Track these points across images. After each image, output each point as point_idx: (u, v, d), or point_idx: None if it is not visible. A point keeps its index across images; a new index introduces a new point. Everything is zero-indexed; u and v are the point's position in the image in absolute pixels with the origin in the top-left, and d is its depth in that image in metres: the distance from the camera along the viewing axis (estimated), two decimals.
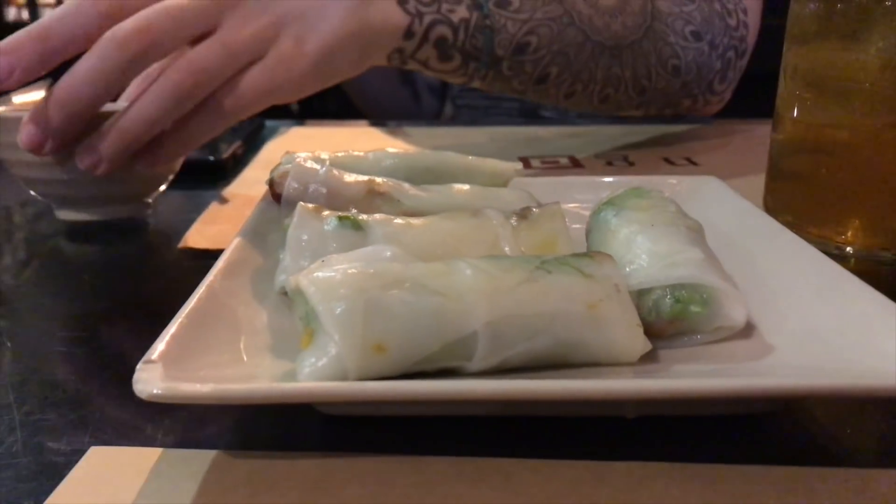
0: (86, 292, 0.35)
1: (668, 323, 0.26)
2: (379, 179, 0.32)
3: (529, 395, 0.21)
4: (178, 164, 0.44)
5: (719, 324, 0.26)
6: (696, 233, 0.29)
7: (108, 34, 0.36)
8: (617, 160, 0.57)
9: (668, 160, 0.57)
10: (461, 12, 0.48)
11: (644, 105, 0.61)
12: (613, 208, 0.31)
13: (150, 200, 0.44)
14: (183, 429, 0.24)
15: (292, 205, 0.30)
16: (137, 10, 0.37)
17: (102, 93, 0.37)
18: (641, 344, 0.24)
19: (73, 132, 0.37)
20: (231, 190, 0.51)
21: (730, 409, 0.24)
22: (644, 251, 0.27)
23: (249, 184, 0.52)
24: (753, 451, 0.22)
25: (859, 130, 0.37)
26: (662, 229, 0.28)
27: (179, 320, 0.23)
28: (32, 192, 0.43)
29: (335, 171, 0.32)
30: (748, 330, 0.26)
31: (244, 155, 0.59)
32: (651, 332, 0.25)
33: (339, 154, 0.35)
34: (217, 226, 0.43)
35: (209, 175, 0.53)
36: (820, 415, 0.24)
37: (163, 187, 0.44)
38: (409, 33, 0.46)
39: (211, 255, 0.30)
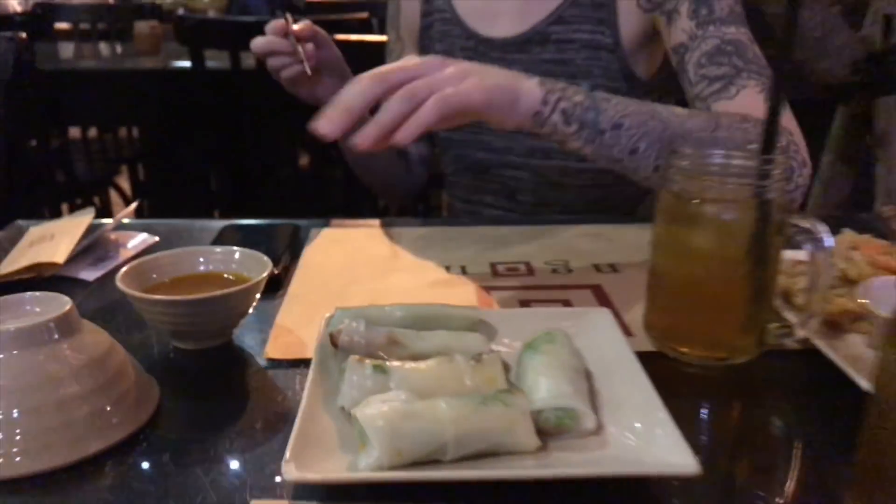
0: (211, 393, 0.57)
1: (553, 428, 0.48)
2: (395, 331, 0.54)
3: (477, 476, 0.43)
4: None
5: (581, 428, 0.48)
6: (577, 372, 0.51)
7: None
8: (560, 268, 0.79)
9: (596, 267, 0.80)
10: (578, 97, 0.72)
11: None
12: (531, 350, 0.53)
13: (235, 330, 0.65)
14: (306, 491, 0.45)
15: (346, 352, 0.52)
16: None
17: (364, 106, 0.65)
18: (536, 442, 0.46)
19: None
20: (286, 306, 0.72)
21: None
22: (543, 386, 0.49)
23: (300, 298, 0.74)
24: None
25: (696, 280, 0.59)
26: (556, 370, 0.50)
27: (294, 435, 0.45)
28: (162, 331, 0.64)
29: (370, 328, 0.54)
30: (599, 429, 0.48)
31: (292, 261, 0.81)
32: (542, 433, 0.47)
33: (371, 309, 0.57)
34: (286, 338, 0.64)
35: (269, 285, 0.74)
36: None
37: (243, 321, 0.65)
38: (543, 101, 0.71)
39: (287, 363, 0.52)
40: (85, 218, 0.85)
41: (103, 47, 3.17)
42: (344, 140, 0.65)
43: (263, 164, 2.25)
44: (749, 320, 0.59)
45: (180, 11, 6.68)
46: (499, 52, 1.02)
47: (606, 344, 0.57)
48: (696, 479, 0.43)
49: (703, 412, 0.56)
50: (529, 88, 0.71)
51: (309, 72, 0.92)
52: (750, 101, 0.83)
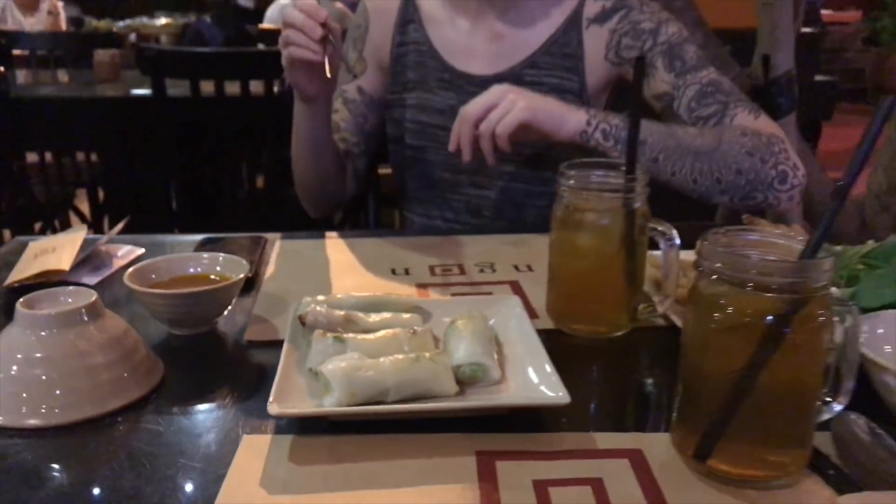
0: (206, 364, 0.72)
1: (468, 378, 0.64)
2: (350, 312, 0.70)
3: (411, 409, 0.59)
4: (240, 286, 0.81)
5: (489, 378, 0.64)
6: (488, 339, 0.68)
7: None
8: (486, 268, 0.96)
9: (516, 267, 0.97)
10: (615, 121, 0.98)
11: (726, 193, 1.02)
12: (453, 325, 0.69)
13: (219, 319, 0.80)
14: (284, 426, 0.61)
15: (311, 328, 0.68)
16: None
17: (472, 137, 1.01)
18: (455, 388, 0.62)
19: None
20: (259, 300, 0.87)
21: (493, 411, 0.62)
22: (461, 348, 0.66)
23: (270, 294, 0.89)
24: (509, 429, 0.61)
25: (582, 271, 0.76)
26: (471, 337, 0.67)
27: (276, 384, 0.61)
28: (160, 320, 0.78)
29: (330, 309, 0.70)
30: (502, 379, 0.65)
31: (259, 266, 0.96)
32: (460, 383, 0.63)
33: (330, 297, 0.73)
34: (261, 325, 0.80)
35: (245, 285, 0.89)
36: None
37: (226, 312, 0.80)
38: (588, 123, 0.97)
39: (262, 344, 0.67)
40: (79, 234, 0.98)
41: (61, 74, 3.26)
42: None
43: (221, 185, 2.38)
44: (623, 301, 0.76)
45: (132, 37, 6.75)
46: (475, 86, 1.14)
47: (514, 322, 0.73)
48: (569, 406, 0.60)
49: (589, 370, 0.73)
50: (576, 113, 1.00)
51: (329, 74, 0.99)
52: (741, 122, 1.06)
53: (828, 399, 0.56)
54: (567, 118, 1.00)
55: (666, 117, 1.10)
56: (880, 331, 0.63)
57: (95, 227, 3.00)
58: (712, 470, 0.55)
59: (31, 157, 2.97)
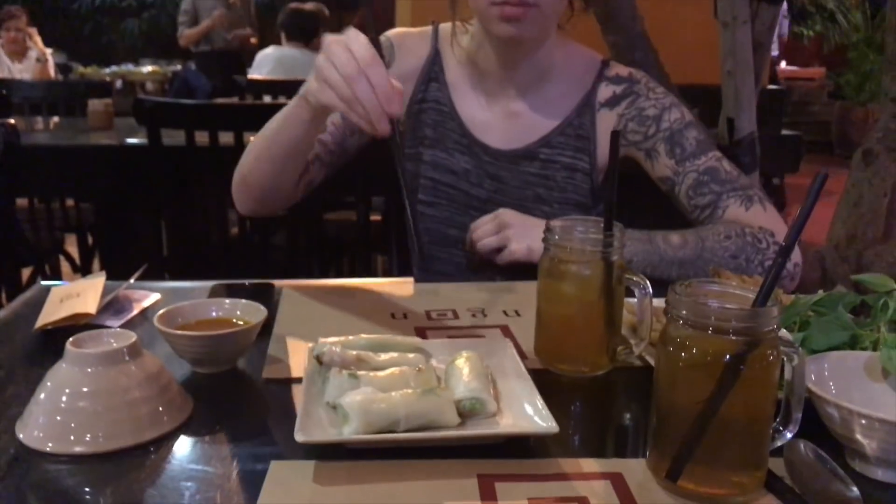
0: (230, 402, 0.79)
1: (468, 411, 0.73)
2: (361, 353, 0.78)
3: (419, 438, 0.67)
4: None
5: (486, 411, 0.73)
6: (484, 376, 0.76)
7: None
8: (478, 314, 1.05)
9: (505, 312, 1.06)
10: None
11: None
12: (453, 364, 0.78)
13: (239, 359, 0.88)
14: (307, 452, 0.68)
15: (328, 366, 0.76)
16: None
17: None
18: (456, 419, 0.71)
19: None
20: (273, 342, 0.95)
21: (491, 440, 0.70)
22: (461, 384, 0.74)
23: (283, 337, 0.97)
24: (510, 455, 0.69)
25: (566, 316, 0.86)
26: (470, 375, 0.75)
27: (299, 416, 0.68)
28: (186, 360, 0.86)
29: (343, 349, 0.78)
30: (498, 412, 0.73)
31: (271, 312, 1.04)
32: (461, 415, 0.72)
33: (343, 338, 0.81)
34: (277, 364, 0.87)
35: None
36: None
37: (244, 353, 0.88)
38: None
39: (279, 382, 0.75)
40: (99, 279, 1.06)
41: (54, 122, 3.33)
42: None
43: (211, 231, 2.46)
44: (603, 344, 0.85)
45: (118, 83, 6.84)
46: (491, 157, 1.22)
47: (507, 361, 0.82)
48: (558, 435, 0.68)
49: (574, 404, 0.82)
50: None
51: (392, 150, 0.96)
52: (732, 215, 1.14)
53: (780, 428, 0.65)
54: None
55: (671, 198, 1.21)
56: (826, 369, 0.73)
57: (84, 271, 3.06)
58: (682, 489, 0.63)
59: (20, 201, 3.04)
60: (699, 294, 0.65)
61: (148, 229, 2.74)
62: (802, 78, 9.27)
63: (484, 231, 1.15)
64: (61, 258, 3.05)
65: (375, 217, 2.34)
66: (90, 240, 3.13)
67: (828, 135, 8.44)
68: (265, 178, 1.17)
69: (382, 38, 1.27)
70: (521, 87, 1.24)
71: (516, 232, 1.12)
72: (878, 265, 1.66)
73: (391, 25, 1.59)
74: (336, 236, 2.78)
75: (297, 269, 2.38)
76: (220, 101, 5.14)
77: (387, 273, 2.45)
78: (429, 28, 1.31)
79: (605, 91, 1.24)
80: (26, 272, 2.84)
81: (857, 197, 1.74)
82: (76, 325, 0.95)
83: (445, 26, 1.29)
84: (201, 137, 2.27)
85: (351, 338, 0.82)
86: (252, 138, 1.20)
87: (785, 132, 3.24)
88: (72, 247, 3.10)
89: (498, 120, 1.25)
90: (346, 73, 0.88)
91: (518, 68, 1.23)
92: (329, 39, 0.91)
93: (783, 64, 9.29)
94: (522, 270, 1.11)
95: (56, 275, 2.88)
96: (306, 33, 4.25)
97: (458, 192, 1.19)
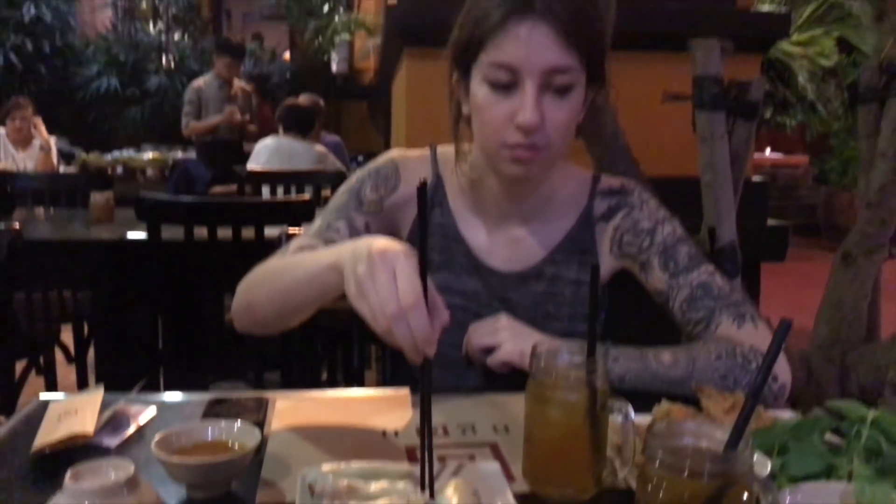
0: None
1: None
2: (352, 482, 0.80)
3: None
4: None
5: None
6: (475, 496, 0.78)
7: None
8: (468, 430, 1.08)
9: (494, 428, 1.08)
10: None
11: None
12: (442, 493, 0.80)
13: (231, 483, 0.89)
14: None
15: (319, 497, 0.78)
16: None
17: None
18: None
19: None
20: (266, 463, 0.97)
21: None
22: None
23: (276, 456, 0.99)
24: None
25: (553, 440, 0.88)
26: (460, 502, 0.77)
27: None
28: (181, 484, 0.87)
29: (335, 479, 0.80)
30: None
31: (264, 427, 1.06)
32: None
33: (335, 465, 0.83)
34: (270, 489, 0.89)
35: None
36: None
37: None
38: None
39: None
40: (97, 394, 1.08)
41: (55, 214, 3.40)
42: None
43: (208, 325, 2.48)
44: (589, 467, 0.88)
45: (119, 169, 6.97)
46: (497, 280, 1.24)
47: (495, 486, 0.84)
48: None
49: None
50: None
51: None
52: (724, 332, 1.17)
53: None
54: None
55: (665, 310, 1.24)
56: (799, 502, 0.75)
57: (79, 361, 3.06)
58: None
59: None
60: (675, 432, 0.68)
61: (144, 319, 2.77)
62: (787, 165, 9.53)
63: (480, 333, 1.18)
64: (56, 348, 3.05)
65: None
66: (86, 329, 3.15)
67: (815, 217, 8.62)
68: (274, 318, 1.14)
69: (387, 160, 1.29)
70: (524, 216, 1.28)
71: (511, 334, 1.15)
72: (862, 366, 1.69)
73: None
74: (329, 325, 2.80)
75: (291, 359, 2.40)
76: (218, 189, 5.28)
77: (381, 361, 2.47)
78: (427, 152, 1.33)
79: (600, 205, 1.28)
80: (20, 364, 2.85)
81: (838, 299, 1.78)
82: (73, 446, 0.97)
83: (444, 150, 1.32)
84: (200, 232, 2.33)
85: (342, 465, 0.84)
86: (267, 264, 1.17)
87: (771, 222, 3.33)
88: (67, 333, 3.11)
89: (501, 245, 1.27)
90: (386, 313, 0.82)
91: (523, 201, 1.27)
92: (376, 249, 0.85)
93: (768, 151, 9.56)
94: (515, 375, 1.13)
95: (50, 367, 2.88)
96: (302, 126, 4.41)
97: (467, 314, 1.21)
